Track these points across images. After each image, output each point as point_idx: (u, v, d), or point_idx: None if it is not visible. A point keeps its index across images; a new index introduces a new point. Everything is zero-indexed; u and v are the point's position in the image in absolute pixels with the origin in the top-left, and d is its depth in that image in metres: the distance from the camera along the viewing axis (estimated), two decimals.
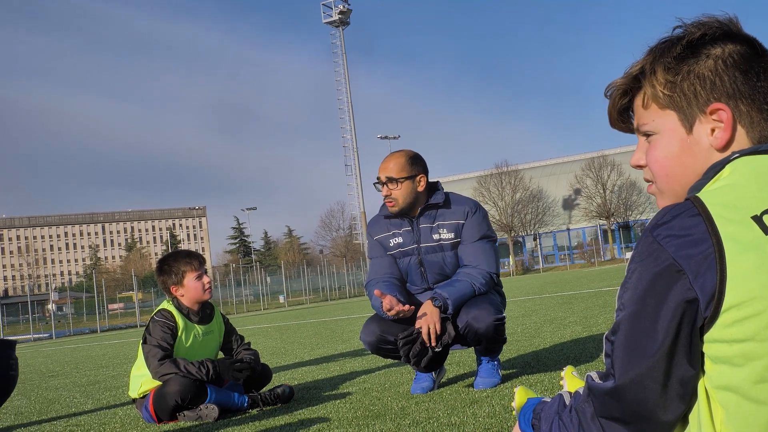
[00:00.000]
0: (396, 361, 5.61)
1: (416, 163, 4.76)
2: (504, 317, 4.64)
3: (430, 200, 4.77)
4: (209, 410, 4.67)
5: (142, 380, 4.93)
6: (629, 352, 1.37)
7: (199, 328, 5.06)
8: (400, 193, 4.70)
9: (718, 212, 1.31)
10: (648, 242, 1.35)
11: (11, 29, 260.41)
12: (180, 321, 4.97)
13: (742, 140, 1.46)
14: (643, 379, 1.36)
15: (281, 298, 65.03)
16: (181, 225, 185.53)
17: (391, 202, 4.74)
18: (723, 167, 1.41)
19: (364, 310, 22.58)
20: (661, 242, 1.33)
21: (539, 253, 77.15)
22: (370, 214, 73.68)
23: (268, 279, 71.21)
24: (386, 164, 4.74)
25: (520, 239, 78.67)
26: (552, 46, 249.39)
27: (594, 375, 1.49)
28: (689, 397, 1.37)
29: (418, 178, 4.74)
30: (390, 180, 4.70)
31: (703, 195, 1.35)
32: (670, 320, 1.32)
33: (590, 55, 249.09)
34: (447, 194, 4.84)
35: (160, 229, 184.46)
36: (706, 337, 1.31)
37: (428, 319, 4.43)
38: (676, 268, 1.30)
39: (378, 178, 4.76)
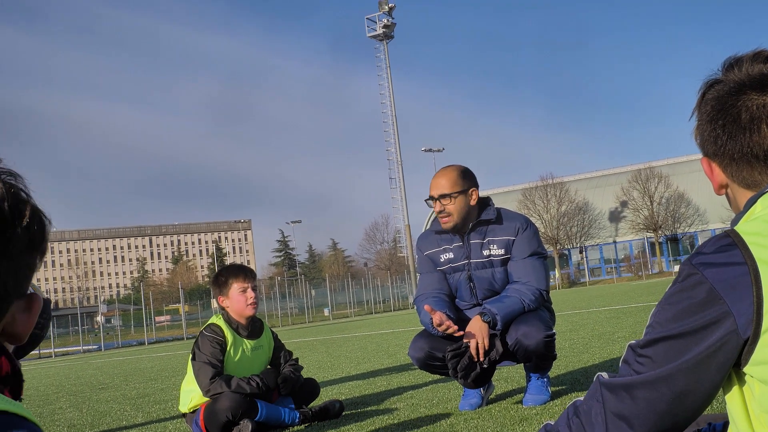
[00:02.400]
0: (444, 377, 5.59)
1: (467, 178, 4.76)
2: (554, 333, 4.60)
3: (482, 216, 4.76)
4: (243, 426, 4.66)
5: (192, 395, 4.96)
6: (656, 362, 1.43)
7: (248, 343, 5.08)
8: (454, 208, 4.70)
9: (753, 240, 1.39)
10: (688, 270, 1.42)
11: (51, 43, 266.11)
12: (229, 335, 5.00)
13: None
14: (659, 383, 1.43)
15: (326, 311, 65.21)
16: (226, 238, 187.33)
17: (445, 217, 4.73)
18: (755, 202, 1.49)
19: (409, 324, 22.54)
20: (701, 270, 1.40)
21: (585, 266, 76.35)
22: (414, 227, 73.60)
23: (313, 292, 71.53)
24: (438, 181, 4.74)
25: (566, 252, 77.95)
26: (598, 58, 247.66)
27: (605, 374, 1.56)
28: (690, 417, 1.46)
29: (470, 191, 4.74)
30: (443, 196, 4.70)
31: (739, 227, 1.44)
32: (704, 344, 1.38)
33: (637, 68, 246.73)
34: (498, 210, 4.82)
35: (206, 242, 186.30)
36: (752, 359, 1.36)
37: (477, 334, 4.42)
38: (715, 294, 1.37)
39: (431, 196, 4.76)
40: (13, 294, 1.07)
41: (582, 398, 1.61)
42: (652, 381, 1.43)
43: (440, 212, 4.73)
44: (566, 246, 76.61)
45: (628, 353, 1.50)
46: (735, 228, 1.44)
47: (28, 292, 1.13)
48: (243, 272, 5.13)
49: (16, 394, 1.12)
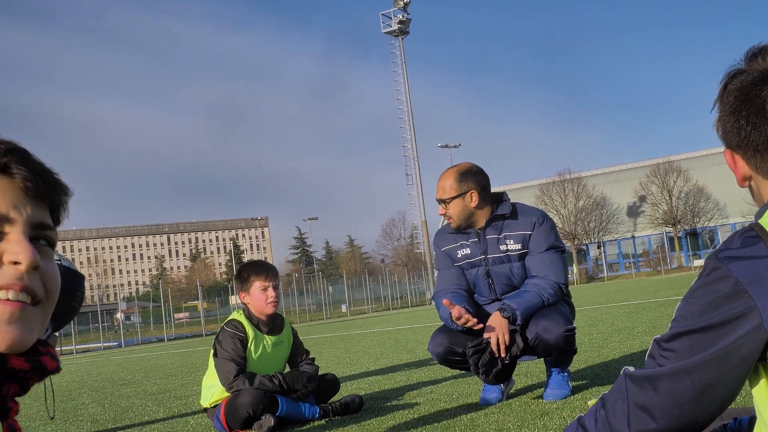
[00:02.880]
0: (463, 372, 5.61)
1: (465, 180, 4.75)
2: (574, 328, 4.60)
3: (497, 211, 4.76)
4: (265, 421, 4.70)
5: (213, 390, 5.00)
6: (681, 356, 1.44)
7: (268, 339, 5.11)
8: (452, 212, 4.78)
9: None
10: (713, 264, 1.42)
11: (67, 42, 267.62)
12: (250, 331, 5.03)
13: None
14: (681, 375, 1.43)
15: (343, 308, 65.33)
16: (244, 235, 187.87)
17: (448, 219, 4.85)
18: None
19: (426, 320, 22.56)
20: (726, 263, 1.40)
21: (603, 261, 76.07)
22: (431, 224, 73.54)
23: (330, 288, 71.59)
24: (439, 184, 4.83)
25: (584, 247, 77.68)
26: (616, 52, 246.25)
27: (631, 368, 1.57)
28: (714, 412, 1.46)
29: (468, 194, 4.73)
30: (440, 201, 4.80)
31: (763, 220, 1.44)
32: (728, 338, 1.38)
33: (656, 62, 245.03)
34: (514, 205, 4.83)
35: (224, 240, 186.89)
36: None
37: (497, 330, 4.43)
38: (740, 288, 1.37)
39: (437, 198, 4.87)
40: None
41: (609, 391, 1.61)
42: (675, 373, 1.43)
43: (443, 215, 4.86)
44: (584, 241, 76.33)
45: (654, 347, 1.50)
46: (759, 221, 1.44)
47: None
48: (265, 271, 5.14)
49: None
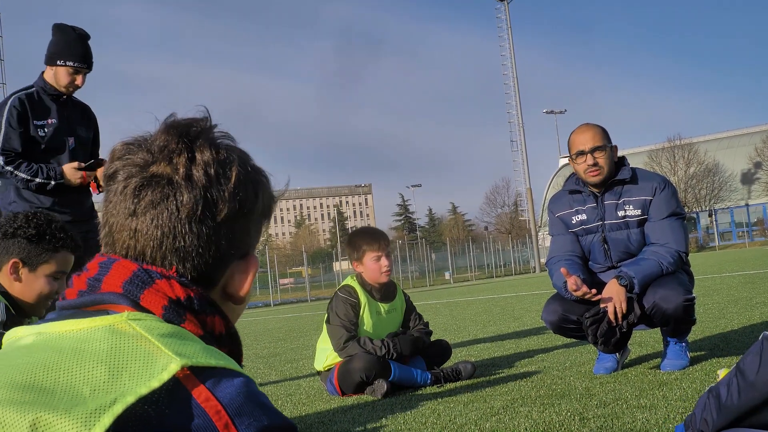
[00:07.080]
0: (575, 340, 5.51)
1: (607, 134, 4.69)
2: (694, 297, 4.47)
3: (618, 176, 4.64)
4: (378, 386, 4.72)
5: (327, 353, 5.07)
6: None
7: (382, 306, 5.14)
8: (605, 161, 4.59)
9: None
10: None
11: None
12: (363, 297, 5.07)
13: None
14: None
15: (447, 275, 65.28)
16: (347, 202, 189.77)
17: (596, 170, 4.58)
18: None
19: (532, 288, 22.34)
20: None
21: (715, 230, 73.59)
22: (535, 191, 72.51)
23: (433, 255, 71.60)
24: (585, 135, 4.62)
25: (694, 215, 75.31)
26: (732, 11, 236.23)
27: None
28: None
29: (613, 147, 4.66)
30: (597, 149, 4.57)
31: None
32: None
33: None
34: (633, 170, 4.69)
35: (328, 206, 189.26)
36: None
37: (614, 298, 4.33)
38: None
39: (580, 150, 4.60)
40: (229, 255, 1.10)
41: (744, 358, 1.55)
42: None
43: (593, 165, 4.57)
44: (694, 209, 74.01)
45: None
46: None
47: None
48: (377, 240, 5.14)
49: (236, 356, 1.12)
